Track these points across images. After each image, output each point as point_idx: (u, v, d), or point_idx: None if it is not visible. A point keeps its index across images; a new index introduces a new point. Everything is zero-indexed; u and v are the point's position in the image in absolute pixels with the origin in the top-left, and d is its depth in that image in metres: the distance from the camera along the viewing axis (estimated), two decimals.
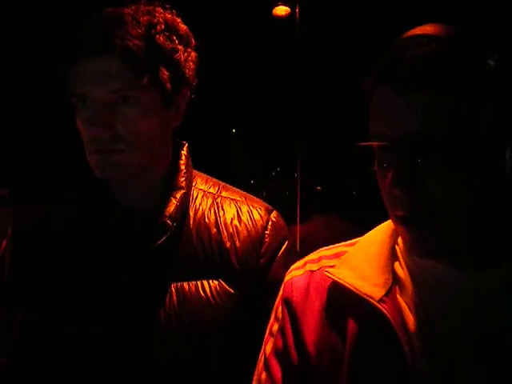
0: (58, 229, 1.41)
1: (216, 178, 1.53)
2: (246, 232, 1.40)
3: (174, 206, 1.36)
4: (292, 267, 1.19)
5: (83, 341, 1.30)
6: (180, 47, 1.37)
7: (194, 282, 1.34)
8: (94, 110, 1.29)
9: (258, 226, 1.41)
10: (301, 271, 1.15)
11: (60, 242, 1.38)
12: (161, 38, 1.33)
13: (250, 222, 1.41)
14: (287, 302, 1.13)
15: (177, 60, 1.35)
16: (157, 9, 1.38)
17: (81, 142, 1.36)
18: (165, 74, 1.33)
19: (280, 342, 1.12)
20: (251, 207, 1.44)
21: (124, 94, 1.29)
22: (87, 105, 1.31)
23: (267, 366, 1.13)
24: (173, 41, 1.35)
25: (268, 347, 1.15)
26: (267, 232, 1.41)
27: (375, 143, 0.98)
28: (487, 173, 0.95)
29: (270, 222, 1.42)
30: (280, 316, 1.14)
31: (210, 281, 1.34)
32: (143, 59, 1.29)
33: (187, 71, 1.38)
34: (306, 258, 1.18)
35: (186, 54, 1.38)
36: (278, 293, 1.19)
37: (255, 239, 1.39)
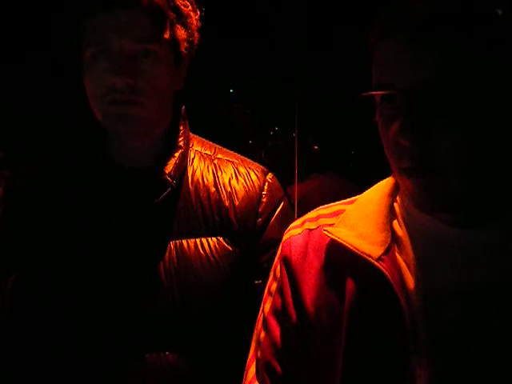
0: (54, 188, 1.40)
1: (214, 140, 1.54)
2: (243, 192, 1.42)
3: (173, 164, 1.38)
4: (290, 226, 1.18)
5: (82, 299, 1.31)
6: (192, 14, 1.40)
7: (192, 240, 1.36)
8: (115, 59, 1.29)
9: (256, 187, 1.43)
10: (299, 230, 1.15)
11: (56, 201, 1.38)
12: (179, 1, 1.36)
13: (248, 183, 1.43)
14: (286, 261, 1.13)
15: (190, 24, 1.39)
16: None
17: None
18: (182, 32, 1.36)
19: (279, 301, 1.12)
20: (248, 169, 1.47)
21: (146, 47, 1.30)
22: (107, 54, 1.30)
23: (266, 325, 1.13)
24: (187, 6, 1.39)
25: (267, 306, 1.15)
26: (264, 192, 1.43)
27: (380, 93, 0.96)
28: (495, 123, 0.94)
29: (266, 183, 1.45)
30: (278, 275, 1.14)
31: (209, 238, 1.36)
32: (166, 15, 1.32)
33: (195, 37, 1.42)
34: (305, 217, 1.18)
35: (195, 22, 1.41)
36: (274, 253, 1.20)
37: (253, 199, 1.42)
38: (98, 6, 1.30)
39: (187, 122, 1.48)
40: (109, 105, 1.31)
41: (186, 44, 1.38)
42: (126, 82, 1.29)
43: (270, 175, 1.48)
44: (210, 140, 1.54)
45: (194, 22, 1.41)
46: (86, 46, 1.32)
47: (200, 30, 1.44)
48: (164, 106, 1.39)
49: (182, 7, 1.37)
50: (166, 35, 1.33)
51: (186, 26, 1.38)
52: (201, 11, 1.44)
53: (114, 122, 1.32)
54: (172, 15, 1.34)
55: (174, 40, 1.35)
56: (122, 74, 1.29)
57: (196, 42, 1.43)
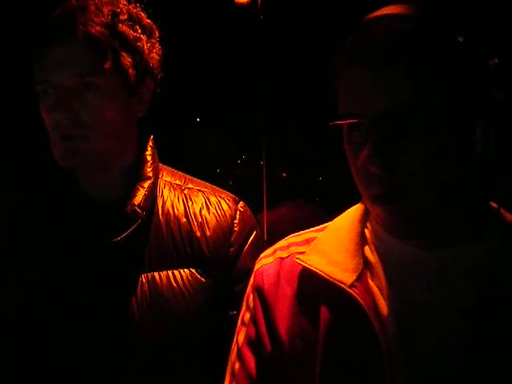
0: (26, 222, 1.38)
1: (183, 169, 1.53)
2: (215, 221, 1.41)
3: (142, 195, 1.36)
4: (262, 255, 1.18)
5: (52, 340, 1.28)
6: (143, 37, 1.37)
7: (164, 272, 1.34)
8: (56, 95, 1.29)
9: (227, 216, 1.42)
10: (271, 259, 1.15)
11: (28, 236, 1.35)
12: (123, 27, 1.34)
13: (219, 212, 1.42)
14: (258, 291, 1.12)
15: (140, 48, 1.36)
16: (120, 0, 1.38)
17: (46, 135, 1.34)
18: (127, 60, 1.33)
19: (252, 331, 1.12)
20: (219, 198, 1.46)
21: (86, 80, 1.29)
22: (50, 92, 1.30)
23: (240, 356, 1.12)
24: (135, 30, 1.36)
25: (240, 337, 1.14)
26: (236, 221, 1.42)
27: (348, 121, 0.97)
28: (461, 146, 0.96)
29: (238, 212, 1.44)
30: (251, 305, 1.13)
31: (181, 270, 1.35)
32: (105, 45, 1.30)
33: (151, 61, 1.39)
34: (276, 246, 1.18)
35: (149, 45, 1.39)
36: (248, 282, 1.19)
37: (225, 228, 1.41)
38: (37, 43, 1.31)
39: (156, 152, 1.46)
40: (58, 141, 1.30)
41: (133, 70, 1.34)
42: (67, 117, 1.28)
43: (241, 204, 1.47)
44: (178, 168, 1.53)
45: (147, 46, 1.37)
46: (36, 82, 1.32)
47: (162, 53, 1.42)
48: (121, 137, 1.36)
49: (129, 32, 1.34)
50: (108, 65, 1.29)
51: (134, 50, 1.34)
52: (159, 33, 1.42)
53: (65, 159, 1.31)
54: (115, 43, 1.31)
55: (118, 68, 1.32)
56: (64, 109, 1.28)
57: (153, 65, 1.39)
